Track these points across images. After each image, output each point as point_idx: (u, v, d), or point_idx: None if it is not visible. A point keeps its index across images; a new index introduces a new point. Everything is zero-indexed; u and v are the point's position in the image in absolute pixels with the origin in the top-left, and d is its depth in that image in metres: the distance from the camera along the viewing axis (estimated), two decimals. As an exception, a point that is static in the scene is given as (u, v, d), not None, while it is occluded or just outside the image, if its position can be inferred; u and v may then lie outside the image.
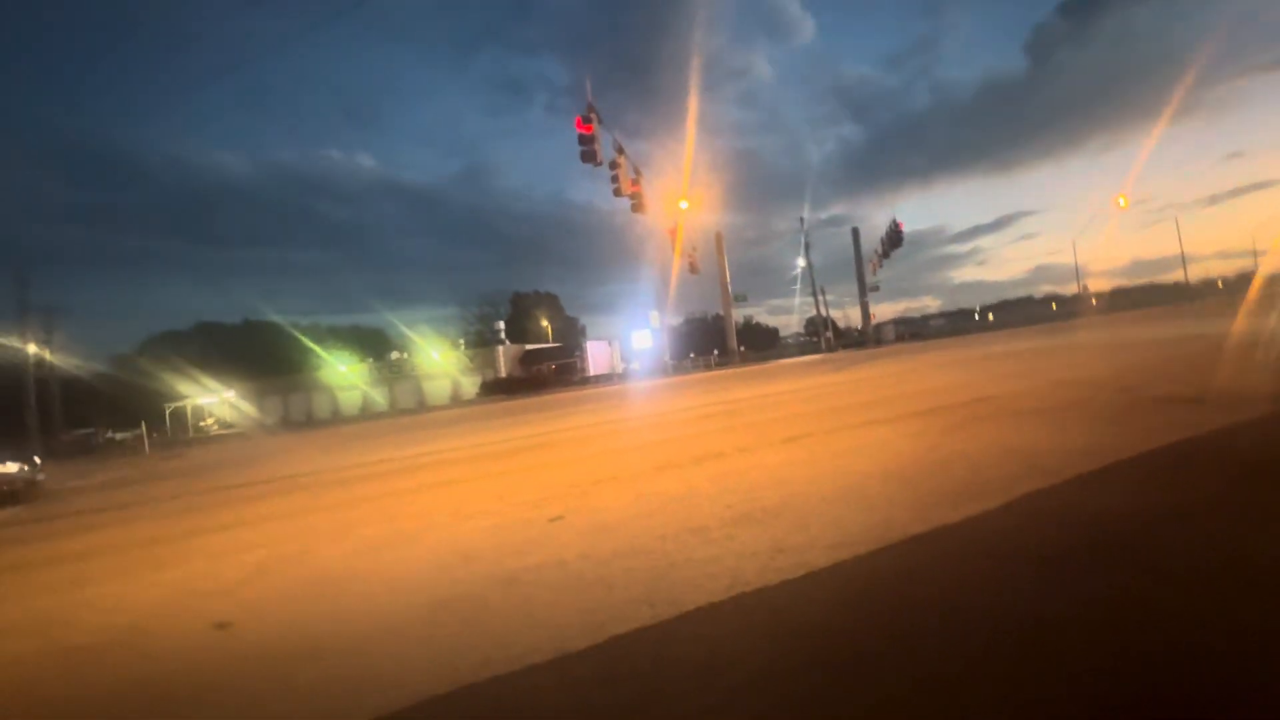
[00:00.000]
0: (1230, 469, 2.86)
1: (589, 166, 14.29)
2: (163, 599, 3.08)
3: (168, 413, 43.34)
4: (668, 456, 5.21)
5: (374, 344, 58.35)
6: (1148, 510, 2.43)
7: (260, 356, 53.99)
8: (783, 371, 20.24)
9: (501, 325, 50.94)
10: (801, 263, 46.84)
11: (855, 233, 45.86)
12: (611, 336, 51.41)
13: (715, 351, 49.03)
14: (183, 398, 43.25)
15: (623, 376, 41.04)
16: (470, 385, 43.70)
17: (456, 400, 41.65)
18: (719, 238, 41.61)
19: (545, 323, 62.45)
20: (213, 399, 45.16)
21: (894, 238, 38.79)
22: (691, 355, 51.81)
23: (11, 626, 2.96)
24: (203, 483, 8.97)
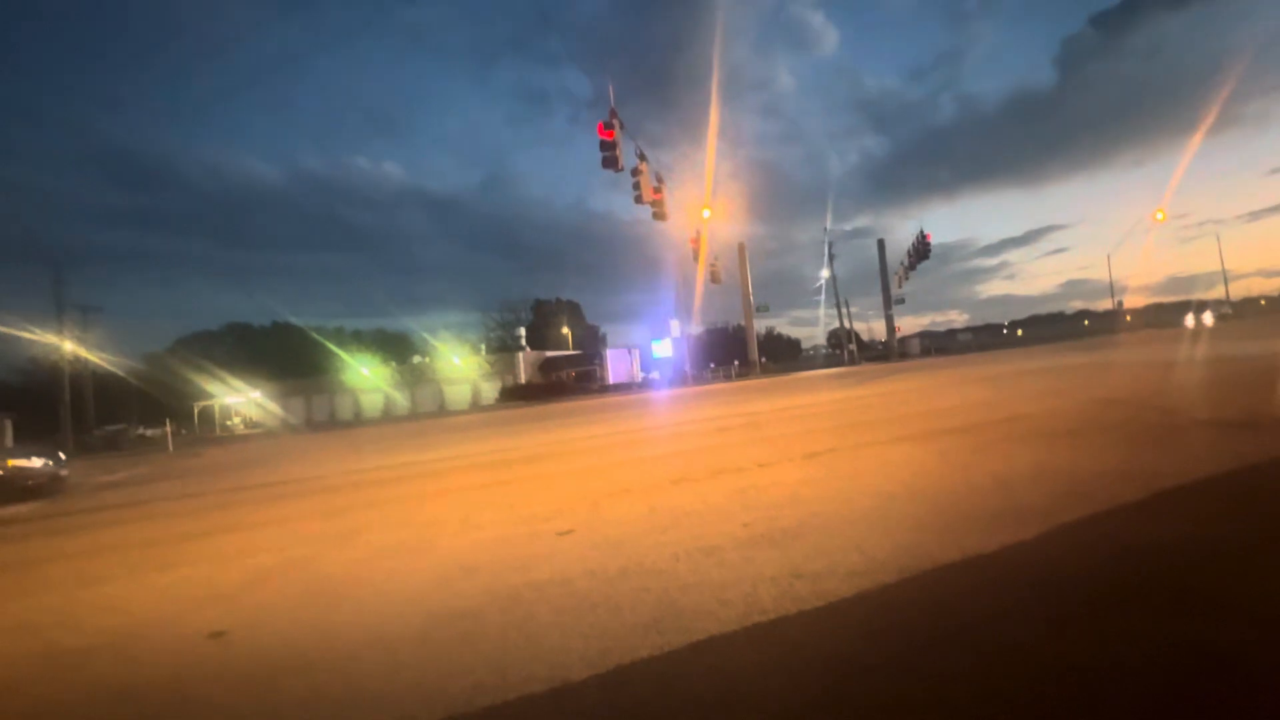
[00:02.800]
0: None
1: (610, 177, 14.22)
2: (161, 602, 3.01)
3: (196, 411, 44.33)
4: (684, 469, 5.06)
5: (397, 348, 59.14)
6: (1201, 545, 2.22)
7: (287, 358, 55.05)
8: (804, 384, 19.92)
9: (522, 332, 51.27)
10: (825, 274, 46.35)
11: (880, 244, 45.27)
12: (632, 345, 51.38)
13: (736, 362, 48.64)
14: (211, 396, 44.20)
15: (642, 385, 40.90)
16: (490, 390, 43.96)
17: (476, 405, 41.90)
18: (741, 248, 41.40)
19: (566, 330, 62.69)
20: (240, 398, 46.08)
21: (921, 249, 38.18)
22: (712, 365, 51.47)
23: (3, 625, 2.92)
24: (221, 482, 9.03)
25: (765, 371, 41.70)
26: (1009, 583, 2.09)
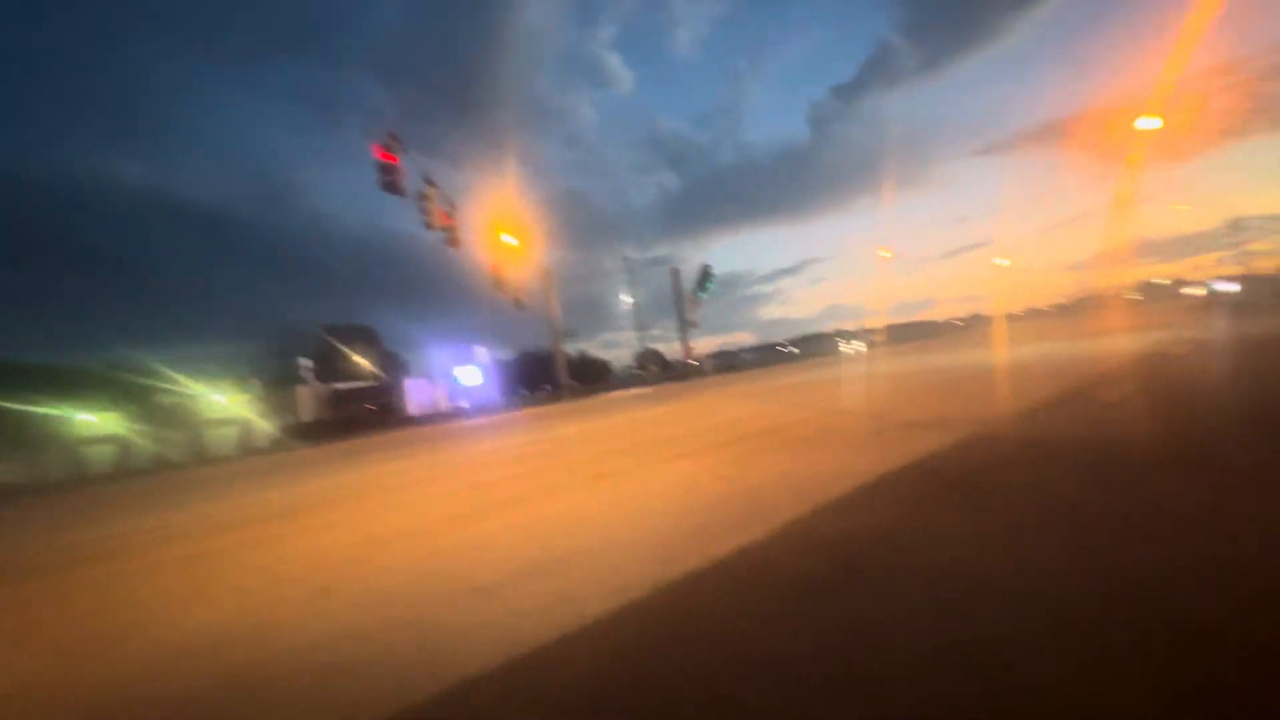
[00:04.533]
0: (931, 486, 3.37)
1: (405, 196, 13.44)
2: None
3: None
4: (470, 504, 4.92)
5: (139, 387, 48.62)
6: (878, 530, 2.76)
7: (-39, 406, 42.11)
8: (609, 405, 20.63)
9: (308, 362, 45.58)
10: (628, 300, 48.90)
11: (675, 273, 49.16)
12: (435, 373, 48.67)
13: (549, 386, 48.69)
14: None
15: (447, 415, 38.88)
16: (267, 431, 38.35)
17: (247, 449, 36.16)
18: (547, 274, 41.85)
19: (360, 359, 57.27)
20: (-123, 464, 33.93)
21: (703, 279, 42.33)
22: (522, 390, 50.85)
23: None
24: None
25: (575, 394, 42.40)
26: (738, 582, 2.38)
